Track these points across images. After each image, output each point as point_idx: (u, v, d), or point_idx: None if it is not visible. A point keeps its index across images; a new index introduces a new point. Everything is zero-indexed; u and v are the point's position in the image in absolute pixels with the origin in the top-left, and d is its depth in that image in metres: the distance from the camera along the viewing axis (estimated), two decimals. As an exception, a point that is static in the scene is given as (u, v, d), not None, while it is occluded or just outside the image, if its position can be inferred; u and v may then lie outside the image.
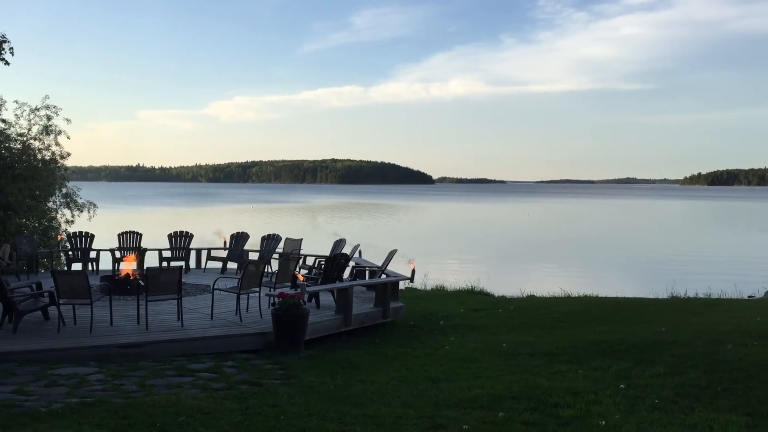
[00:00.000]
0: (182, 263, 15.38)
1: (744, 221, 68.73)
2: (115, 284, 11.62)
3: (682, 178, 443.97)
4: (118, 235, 15.70)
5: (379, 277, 12.65)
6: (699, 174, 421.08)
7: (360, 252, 15.24)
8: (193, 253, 16.32)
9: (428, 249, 35.03)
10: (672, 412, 6.05)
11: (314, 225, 52.41)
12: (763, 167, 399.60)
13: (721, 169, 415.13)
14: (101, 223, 22.11)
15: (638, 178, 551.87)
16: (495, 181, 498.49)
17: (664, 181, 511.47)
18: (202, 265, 16.43)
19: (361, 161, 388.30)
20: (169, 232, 16.06)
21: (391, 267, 13.41)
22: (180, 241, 15.85)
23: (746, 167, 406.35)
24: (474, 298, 16.53)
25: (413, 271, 13.38)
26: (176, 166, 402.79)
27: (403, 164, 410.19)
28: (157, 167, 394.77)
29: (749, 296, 18.08)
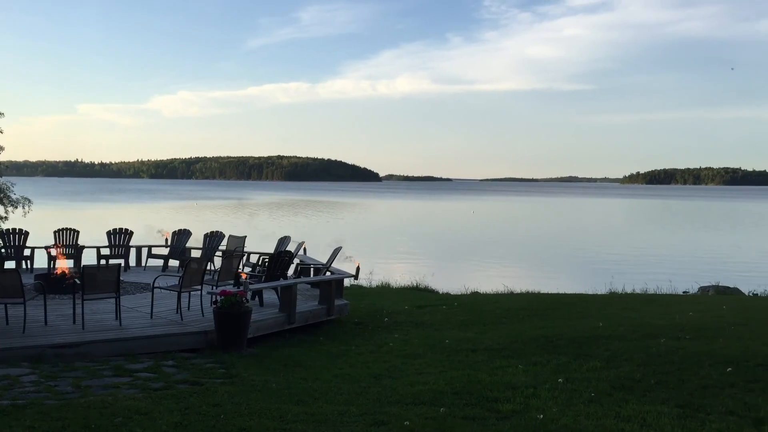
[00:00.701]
0: (121, 261, 15.01)
1: (679, 219, 71.10)
2: (50, 283, 11.27)
3: (621, 176, 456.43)
4: (54, 232, 15.23)
5: (324, 274, 12.62)
6: (638, 173, 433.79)
7: (305, 249, 15.18)
8: (133, 251, 15.96)
9: (374, 246, 35.12)
10: (607, 405, 6.21)
11: (259, 222, 51.88)
12: (698, 167, 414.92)
13: (658, 168, 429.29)
14: (36, 219, 21.41)
15: (580, 176, 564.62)
16: (441, 179, 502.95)
17: (605, 179, 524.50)
18: (143, 263, 16.09)
19: (307, 158, 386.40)
20: (108, 229, 15.67)
21: (336, 264, 13.40)
22: (119, 239, 15.49)
23: (682, 167, 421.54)
24: (419, 295, 16.64)
25: (358, 269, 13.41)
26: (117, 162, 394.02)
27: (350, 161, 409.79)
28: (96, 163, 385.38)
29: (684, 292, 18.71)
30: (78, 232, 15.31)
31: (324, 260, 13.47)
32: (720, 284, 19.59)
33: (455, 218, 67.88)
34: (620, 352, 8.48)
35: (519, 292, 17.57)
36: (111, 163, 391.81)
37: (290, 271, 12.93)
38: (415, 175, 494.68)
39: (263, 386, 7.03)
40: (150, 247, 16.18)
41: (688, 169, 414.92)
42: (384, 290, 18.10)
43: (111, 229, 15.67)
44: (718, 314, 11.67)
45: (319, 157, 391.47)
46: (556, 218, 71.22)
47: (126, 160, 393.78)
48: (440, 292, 18.00)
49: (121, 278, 10.44)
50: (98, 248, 15.28)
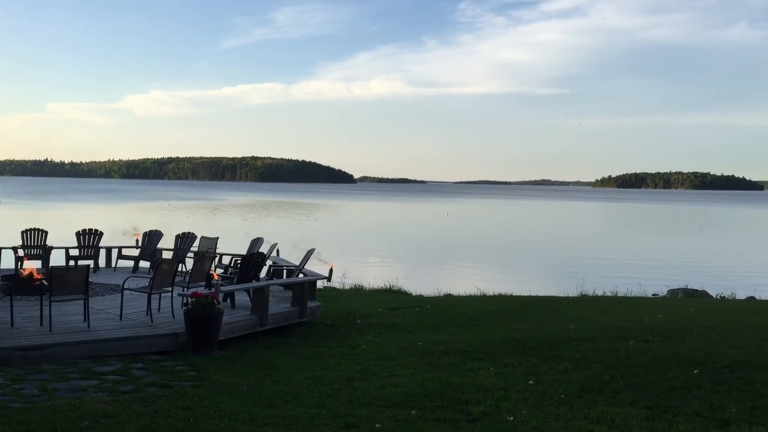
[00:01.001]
0: (90, 262, 14.81)
1: (649, 223, 72.07)
2: (17, 284, 11.06)
3: (593, 180, 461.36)
4: (22, 232, 14.97)
5: (297, 276, 12.58)
6: (609, 177, 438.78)
7: (278, 251, 15.12)
8: (103, 252, 15.76)
9: (348, 248, 35.07)
10: (577, 407, 6.27)
11: (231, 223, 51.53)
12: (668, 171, 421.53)
13: (629, 172, 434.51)
14: (4, 219, 21.03)
15: (553, 180, 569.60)
16: (416, 181, 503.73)
17: (577, 183, 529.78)
18: (113, 264, 15.89)
19: (281, 159, 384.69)
20: (77, 230, 15.44)
21: (309, 266, 13.36)
22: (89, 239, 15.27)
23: (653, 171, 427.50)
24: (392, 297, 16.66)
25: (331, 271, 13.39)
26: (87, 162, 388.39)
27: (324, 163, 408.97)
28: (66, 162, 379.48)
29: (653, 294, 18.98)
30: (46, 232, 15.08)
31: (297, 262, 13.42)
32: (688, 287, 19.89)
33: (429, 220, 68.07)
34: (590, 354, 8.57)
35: (492, 294, 17.67)
36: (81, 162, 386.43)
37: (263, 273, 12.87)
38: (390, 177, 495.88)
39: (234, 389, 6.98)
40: (120, 248, 15.98)
41: (659, 173, 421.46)
42: (357, 292, 18.08)
43: (80, 229, 15.45)
44: (686, 317, 11.84)
45: (294, 158, 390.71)
46: (529, 221, 71.77)
47: (97, 160, 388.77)
48: (413, 295, 18.03)
49: (91, 279, 10.29)
50: (67, 249, 15.06)
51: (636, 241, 46.85)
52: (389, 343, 10.05)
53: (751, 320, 11.49)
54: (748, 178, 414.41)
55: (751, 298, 17.78)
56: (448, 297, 17.28)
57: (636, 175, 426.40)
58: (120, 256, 15.83)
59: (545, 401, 6.48)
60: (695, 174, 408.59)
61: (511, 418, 5.89)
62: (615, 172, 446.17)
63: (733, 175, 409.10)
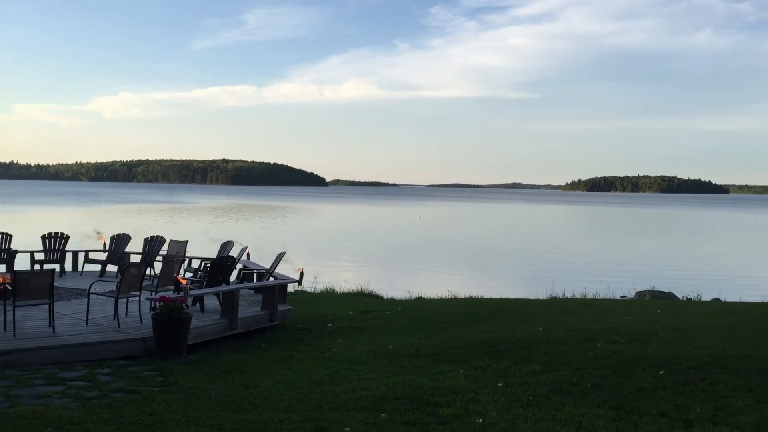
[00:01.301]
0: (56, 266, 14.56)
1: (618, 226, 73.04)
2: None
3: (564, 183, 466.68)
4: (-15, 235, 14.64)
5: (267, 279, 12.50)
6: (579, 180, 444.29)
7: (248, 254, 15.01)
8: (69, 256, 15.50)
9: (319, 252, 34.97)
10: (545, 408, 6.32)
11: (201, 227, 51.06)
12: (636, 175, 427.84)
13: (599, 176, 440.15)
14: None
15: (524, 183, 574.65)
16: (388, 184, 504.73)
17: (548, 186, 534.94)
18: (79, 269, 15.64)
19: (253, 162, 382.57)
20: (42, 233, 15.17)
21: (280, 270, 13.29)
22: (54, 243, 15.01)
23: (621, 175, 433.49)
24: (363, 301, 16.64)
25: (301, 274, 13.36)
26: (54, 164, 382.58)
27: (296, 166, 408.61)
28: (33, 164, 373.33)
29: (621, 297, 19.22)
30: (11, 236, 14.77)
31: (268, 265, 13.35)
32: (656, 289, 20.20)
33: (401, 224, 68.16)
34: (558, 356, 8.64)
35: (462, 297, 17.74)
36: (48, 165, 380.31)
37: (233, 277, 12.77)
38: (362, 180, 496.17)
39: (202, 394, 6.91)
40: (87, 252, 15.73)
41: (627, 176, 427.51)
42: (328, 296, 18.03)
43: (46, 233, 15.18)
44: (653, 319, 12.02)
45: (265, 161, 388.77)
46: (500, 224, 72.27)
47: (64, 162, 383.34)
48: (385, 298, 18.03)
49: (56, 284, 10.13)
50: (32, 253, 14.78)
51: (605, 244, 47.43)
52: (360, 346, 10.04)
53: (716, 321, 11.71)
54: (713, 182, 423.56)
55: (716, 300, 18.11)
56: (420, 300, 17.31)
57: (605, 178, 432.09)
58: (87, 260, 15.58)
59: (514, 403, 6.52)
60: (663, 178, 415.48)
61: (480, 420, 5.91)
62: (585, 176, 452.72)
63: (699, 179, 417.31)
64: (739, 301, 17.36)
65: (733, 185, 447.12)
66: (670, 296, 19.18)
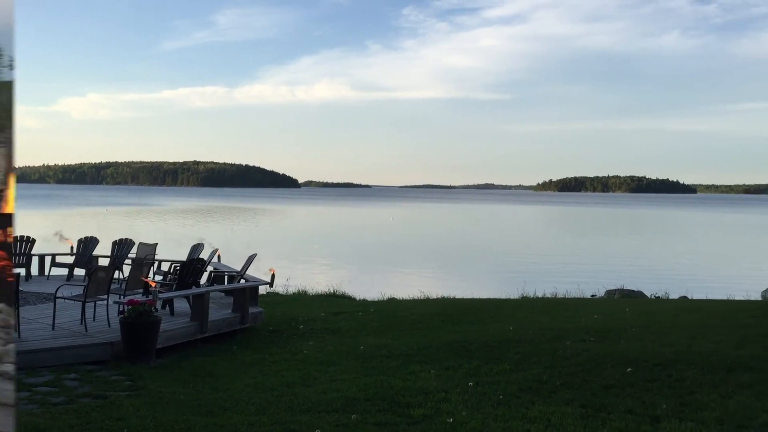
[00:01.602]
0: (22, 270, 14.30)
1: (588, 226, 73.92)
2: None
3: (535, 184, 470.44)
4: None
5: (238, 282, 12.43)
6: (550, 180, 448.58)
7: (219, 257, 14.90)
8: (35, 259, 15.23)
9: (291, 253, 34.86)
10: (515, 407, 6.37)
11: (171, 229, 50.56)
12: (606, 175, 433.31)
13: (570, 176, 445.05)
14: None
15: (496, 183, 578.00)
16: (361, 186, 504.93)
17: (519, 186, 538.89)
18: (46, 272, 15.38)
19: (224, 164, 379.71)
20: (8, 237, 14.88)
21: (251, 272, 13.21)
22: (20, 247, 14.74)
23: (592, 175, 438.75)
24: (335, 302, 16.62)
25: (273, 276, 13.28)
26: (21, 166, 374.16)
27: (268, 167, 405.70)
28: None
29: (591, 295, 19.43)
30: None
31: (239, 267, 13.26)
32: (625, 288, 20.47)
33: (374, 225, 68.21)
34: (529, 355, 8.72)
35: (435, 297, 17.80)
36: (15, 167, 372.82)
37: (203, 279, 12.67)
38: (335, 181, 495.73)
39: (171, 398, 6.84)
40: (54, 256, 15.50)
41: (597, 177, 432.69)
42: (300, 297, 17.98)
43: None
44: (622, 317, 12.17)
45: (237, 162, 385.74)
46: (472, 225, 72.68)
47: (31, 165, 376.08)
48: (357, 299, 18.03)
49: (21, 288, 9.97)
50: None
51: (575, 244, 47.96)
52: (332, 348, 10.02)
53: (683, 319, 11.90)
54: (681, 182, 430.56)
55: (684, 298, 18.40)
56: (392, 301, 17.33)
57: (576, 179, 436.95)
58: (54, 264, 15.35)
59: (484, 402, 6.56)
60: (632, 178, 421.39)
61: (451, 419, 5.94)
62: (556, 176, 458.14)
63: (667, 179, 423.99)
64: (705, 298, 17.66)
65: (701, 185, 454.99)
66: (639, 295, 19.45)
